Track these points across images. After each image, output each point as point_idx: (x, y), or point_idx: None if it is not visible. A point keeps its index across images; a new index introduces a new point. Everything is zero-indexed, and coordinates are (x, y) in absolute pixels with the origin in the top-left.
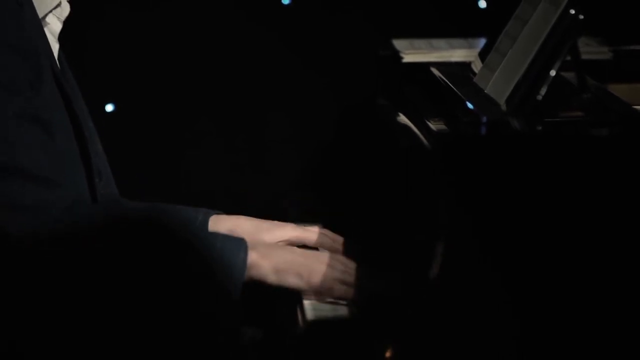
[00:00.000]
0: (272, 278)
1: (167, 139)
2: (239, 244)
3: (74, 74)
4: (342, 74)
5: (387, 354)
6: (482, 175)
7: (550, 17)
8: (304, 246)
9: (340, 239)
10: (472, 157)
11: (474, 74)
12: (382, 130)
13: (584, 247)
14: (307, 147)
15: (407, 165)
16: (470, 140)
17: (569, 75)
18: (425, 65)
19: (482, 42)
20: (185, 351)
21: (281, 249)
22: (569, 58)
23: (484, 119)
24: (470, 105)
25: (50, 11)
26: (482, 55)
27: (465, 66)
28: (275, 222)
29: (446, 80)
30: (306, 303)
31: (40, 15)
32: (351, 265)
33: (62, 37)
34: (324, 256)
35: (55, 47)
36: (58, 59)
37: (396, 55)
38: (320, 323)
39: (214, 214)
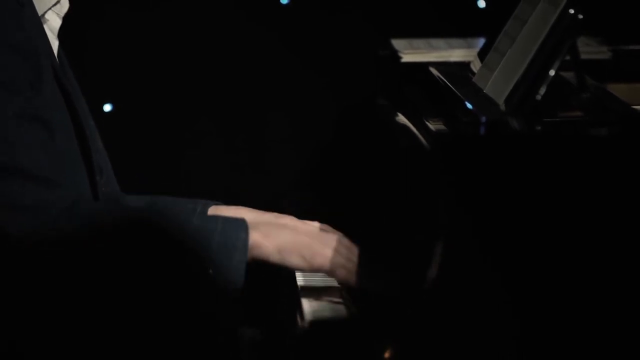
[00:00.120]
0: (275, 257)
1: (167, 138)
2: (240, 225)
3: (74, 73)
4: (342, 74)
5: (387, 354)
6: (482, 175)
7: (549, 17)
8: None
9: (340, 235)
10: (471, 157)
11: (473, 73)
12: (381, 130)
13: (584, 247)
14: (307, 147)
15: (406, 165)
16: (469, 140)
17: (568, 75)
18: (424, 65)
19: (481, 41)
20: (185, 351)
21: (284, 228)
22: (568, 58)
23: (483, 119)
24: (469, 105)
25: (50, 8)
26: (481, 55)
27: (464, 66)
28: (276, 213)
29: (445, 80)
30: (305, 303)
31: (40, 12)
32: (354, 250)
33: (62, 38)
34: (329, 238)
35: (54, 44)
36: (58, 56)
37: (395, 55)
38: (319, 323)
39: (213, 204)
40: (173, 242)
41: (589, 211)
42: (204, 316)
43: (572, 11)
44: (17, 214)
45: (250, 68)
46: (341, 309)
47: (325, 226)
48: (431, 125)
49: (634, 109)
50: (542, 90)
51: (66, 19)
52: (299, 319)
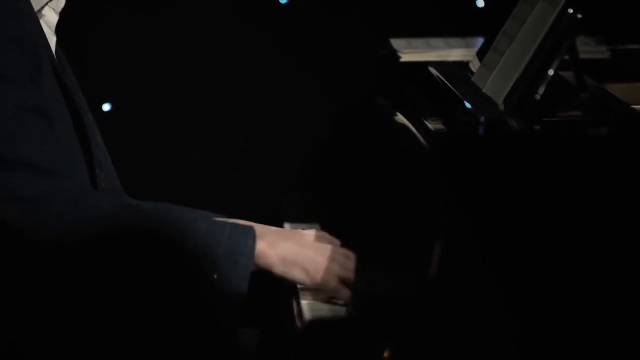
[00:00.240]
0: (279, 269)
1: (168, 139)
2: (248, 232)
3: (74, 73)
4: (341, 74)
5: (386, 354)
6: (481, 174)
7: (548, 17)
8: None
9: (337, 242)
10: (470, 156)
11: (472, 73)
12: (381, 130)
13: (584, 246)
14: (307, 147)
15: (406, 165)
16: (468, 140)
17: (568, 75)
18: (424, 65)
19: (480, 41)
20: (185, 351)
21: (290, 240)
22: (567, 57)
23: (482, 119)
24: (468, 105)
25: (47, 4)
26: (480, 54)
27: (463, 66)
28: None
29: (444, 80)
30: (304, 303)
31: (37, 8)
32: (351, 263)
33: (62, 37)
34: (329, 251)
35: (52, 40)
36: (56, 52)
37: (394, 54)
38: (318, 323)
39: (214, 217)
40: (179, 245)
41: (589, 211)
42: (205, 318)
43: (571, 11)
44: (17, 206)
45: (251, 68)
46: (341, 309)
47: (324, 233)
48: (430, 125)
49: (633, 108)
50: (541, 90)
51: (66, 19)
52: (298, 319)
